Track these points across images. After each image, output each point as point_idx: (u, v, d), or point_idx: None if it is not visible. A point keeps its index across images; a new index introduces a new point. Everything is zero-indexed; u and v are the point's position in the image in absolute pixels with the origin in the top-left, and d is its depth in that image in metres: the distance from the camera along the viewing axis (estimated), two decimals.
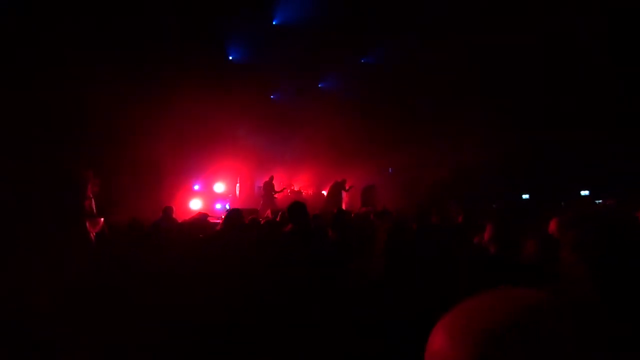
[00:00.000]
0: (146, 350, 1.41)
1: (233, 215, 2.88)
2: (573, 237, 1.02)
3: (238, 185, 10.96)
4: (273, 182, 9.99)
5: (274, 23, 10.64)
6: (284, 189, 10.48)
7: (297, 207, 2.67)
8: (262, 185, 10.02)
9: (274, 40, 10.49)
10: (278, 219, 3.60)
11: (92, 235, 0.70)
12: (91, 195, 0.73)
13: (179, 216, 6.48)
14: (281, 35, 10.56)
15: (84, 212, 0.69)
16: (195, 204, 9.43)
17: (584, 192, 10.91)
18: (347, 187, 9.54)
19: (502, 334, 0.40)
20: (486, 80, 10.39)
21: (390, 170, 12.54)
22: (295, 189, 11.78)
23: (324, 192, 11.83)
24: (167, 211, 5.28)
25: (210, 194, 10.38)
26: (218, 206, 10.13)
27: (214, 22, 9.38)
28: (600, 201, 9.18)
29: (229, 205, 10.07)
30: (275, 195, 9.97)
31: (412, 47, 10.58)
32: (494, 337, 0.40)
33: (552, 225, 2.63)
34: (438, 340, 0.44)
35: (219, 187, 10.65)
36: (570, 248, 1.01)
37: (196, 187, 10.17)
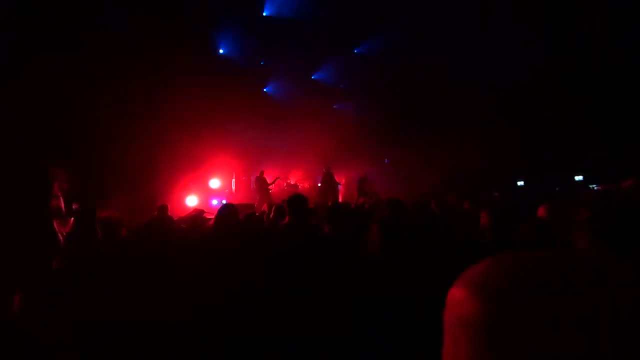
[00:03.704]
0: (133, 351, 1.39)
1: (225, 211, 2.72)
2: (588, 219, 0.97)
3: (234, 180, 10.91)
4: (264, 175, 9.92)
5: (263, 15, 10.48)
6: (277, 178, 10.43)
7: (296, 200, 2.49)
8: (254, 181, 9.94)
9: (265, 32, 10.35)
10: (272, 214, 3.56)
11: (60, 236, 0.67)
12: (59, 194, 0.70)
13: (175, 213, 6.45)
14: (272, 27, 10.42)
15: (50, 212, 0.66)
16: (191, 200, 9.39)
17: (578, 178, 11.02)
18: (338, 181, 9.58)
19: (527, 289, 0.39)
20: (481, 68, 10.35)
21: (386, 161, 12.54)
22: (292, 182, 11.75)
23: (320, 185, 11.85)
24: (163, 210, 5.20)
25: (206, 190, 10.33)
26: (214, 202, 10.10)
27: (203, 15, 9.22)
28: (595, 186, 9.27)
29: (225, 201, 10.04)
30: (270, 187, 9.94)
31: (407, 38, 10.49)
32: (517, 292, 0.39)
33: (541, 211, 2.66)
34: (459, 291, 0.43)
35: (215, 182, 10.60)
36: (587, 230, 0.96)
37: (191, 184, 10.12)
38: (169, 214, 5.28)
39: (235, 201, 9.48)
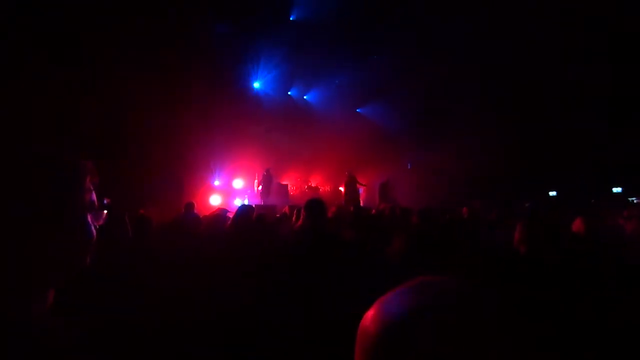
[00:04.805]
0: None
1: (242, 212, 2.71)
2: None
3: (256, 181, 11.06)
4: (271, 173, 9.81)
5: (291, 19, 10.62)
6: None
7: (313, 204, 2.37)
8: (260, 179, 9.77)
9: (291, 36, 10.47)
10: (294, 217, 3.55)
11: (93, 229, 0.68)
12: (92, 188, 0.71)
13: (200, 212, 6.59)
14: (298, 31, 10.53)
15: (84, 205, 0.67)
16: (215, 200, 9.59)
17: (616, 190, 10.37)
18: (360, 182, 9.49)
19: (405, 319, 0.41)
20: (514, 74, 9.97)
21: (409, 166, 12.31)
22: (312, 185, 11.76)
23: (341, 189, 11.79)
24: (189, 207, 5.35)
25: (229, 190, 10.53)
26: (237, 202, 10.27)
27: (231, 20, 9.43)
28: (634, 199, 8.70)
29: (248, 201, 10.17)
30: (291, 188, 9.85)
31: (432, 42, 10.30)
32: (398, 321, 0.41)
33: (577, 224, 2.50)
34: (370, 312, 0.45)
35: (238, 183, 10.79)
36: None
37: (216, 183, 10.34)
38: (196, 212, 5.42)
39: (257, 202, 9.61)
